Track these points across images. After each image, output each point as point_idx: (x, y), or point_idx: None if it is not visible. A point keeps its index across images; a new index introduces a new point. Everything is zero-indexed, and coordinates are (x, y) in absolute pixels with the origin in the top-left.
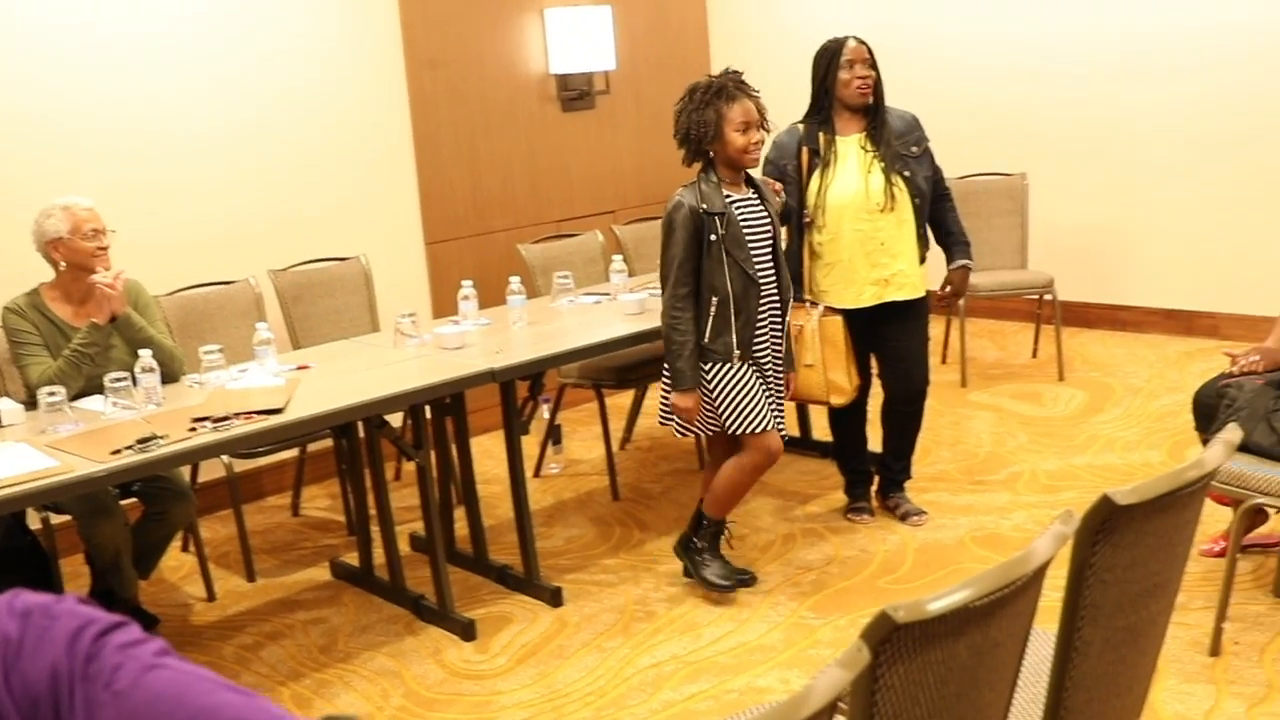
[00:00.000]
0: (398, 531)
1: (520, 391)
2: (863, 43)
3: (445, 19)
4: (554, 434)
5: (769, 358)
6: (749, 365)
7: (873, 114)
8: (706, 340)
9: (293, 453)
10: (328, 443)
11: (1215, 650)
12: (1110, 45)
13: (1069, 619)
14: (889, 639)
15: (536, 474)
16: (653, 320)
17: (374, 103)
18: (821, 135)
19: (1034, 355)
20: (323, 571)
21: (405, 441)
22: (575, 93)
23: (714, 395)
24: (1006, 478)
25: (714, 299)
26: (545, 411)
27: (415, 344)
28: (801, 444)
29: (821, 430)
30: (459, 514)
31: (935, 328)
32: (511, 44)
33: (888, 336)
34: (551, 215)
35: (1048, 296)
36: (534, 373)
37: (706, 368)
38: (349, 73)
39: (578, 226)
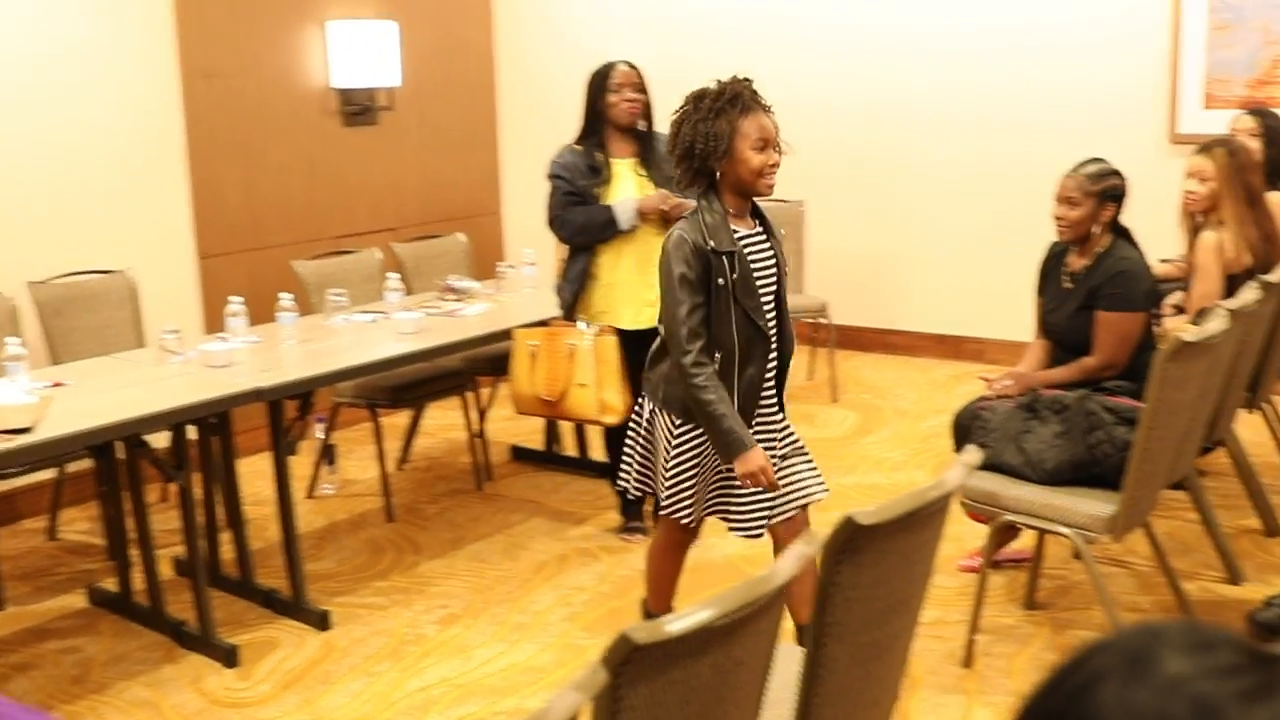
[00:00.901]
0: (161, 555)
1: (289, 411)
2: (633, 67)
3: (223, 28)
4: (328, 454)
5: (765, 427)
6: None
7: (645, 137)
8: None
9: (50, 473)
10: (89, 463)
11: (968, 662)
12: (884, 84)
13: (815, 636)
14: (629, 660)
15: (310, 495)
16: (428, 340)
17: (145, 112)
18: (597, 156)
19: (810, 377)
20: (79, 598)
21: (166, 462)
22: (357, 108)
23: (671, 457)
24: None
25: (717, 354)
26: (319, 431)
27: (180, 361)
28: (577, 464)
29: (598, 450)
30: (227, 537)
31: None
32: (292, 56)
33: None
34: (331, 231)
35: (823, 320)
36: (303, 392)
37: (678, 423)
38: (119, 80)
39: (357, 243)
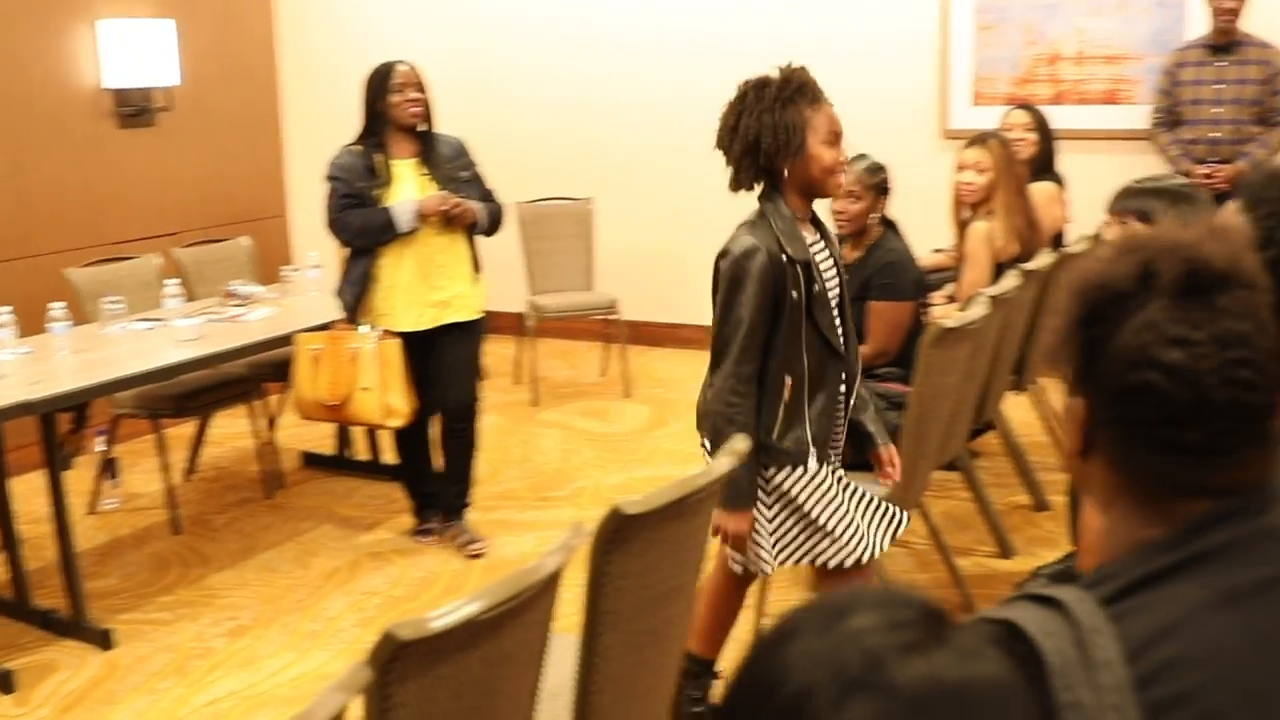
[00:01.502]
0: None
1: (63, 424)
2: (413, 67)
3: None
4: (109, 468)
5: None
6: (828, 467)
7: (426, 138)
8: (774, 437)
9: None
10: None
11: None
12: (668, 85)
13: (590, 626)
14: (396, 657)
15: (92, 510)
16: (208, 346)
17: None
18: (376, 157)
19: (603, 374)
20: None
21: None
22: (133, 109)
23: (785, 513)
24: (571, 493)
25: (787, 379)
26: (100, 444)
27: None
28: (370, 468)
29: (390, 454)
30: (2, 558)
31: (508, 348)
32: (60, 56)
33: (441, 356)
34: (108, 237)
35: (614, 317)
36: (77, 404)
37: (769, 474)
38: None
39: (137, 249)
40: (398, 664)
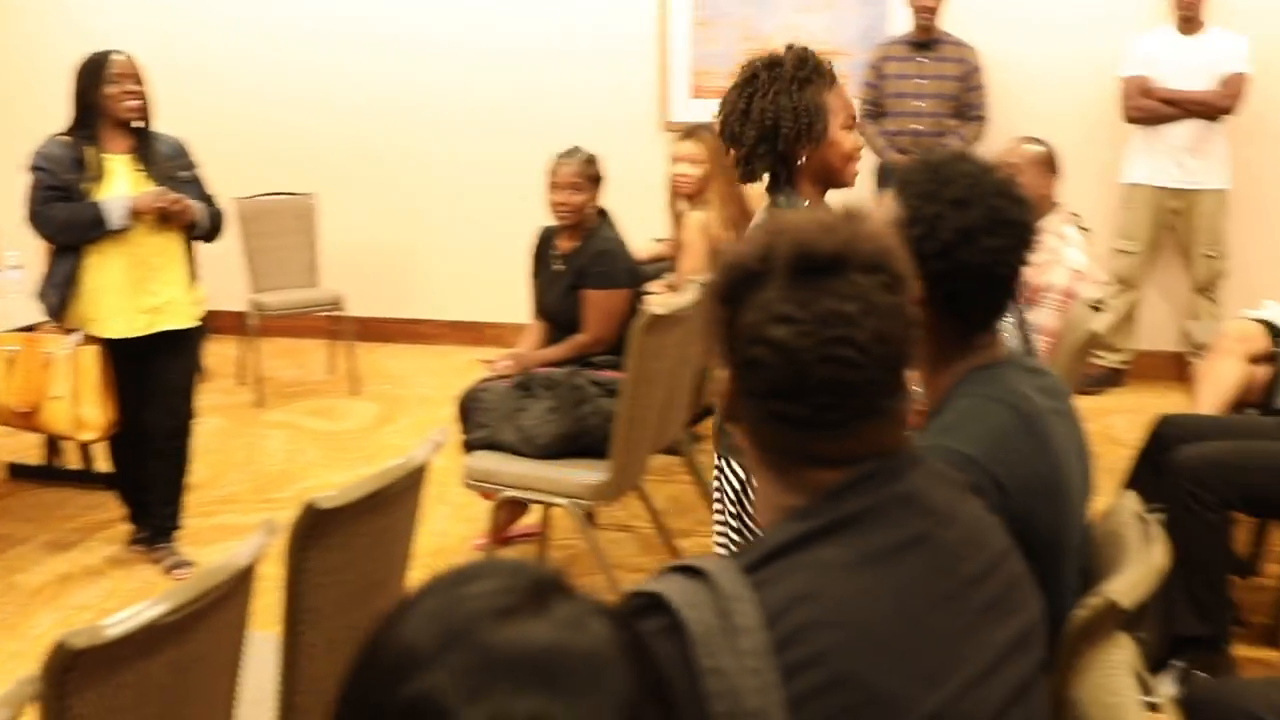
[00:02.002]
0: None
1: None
2: (130, 58)
3: None
4: None
5: None
6: None
7: (142, 133)
8: None
9: None
10: None
11: None
12: (392, 79)
13: (290, 624)
14: (71, 667)
15: None
16: None
17: None
18: (87, 150)
19: (330, 372)
20: None
21: None
22: None
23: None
24: (296, 494)
25: None
26: None
27: None
28: (82, 478)
29: (104, 462)
30: None
31: (230, 348)
32: None
33: (153, 368)
34: None
35: (340, 313)
36: None
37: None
38: None
39: None
40: (74, 674)
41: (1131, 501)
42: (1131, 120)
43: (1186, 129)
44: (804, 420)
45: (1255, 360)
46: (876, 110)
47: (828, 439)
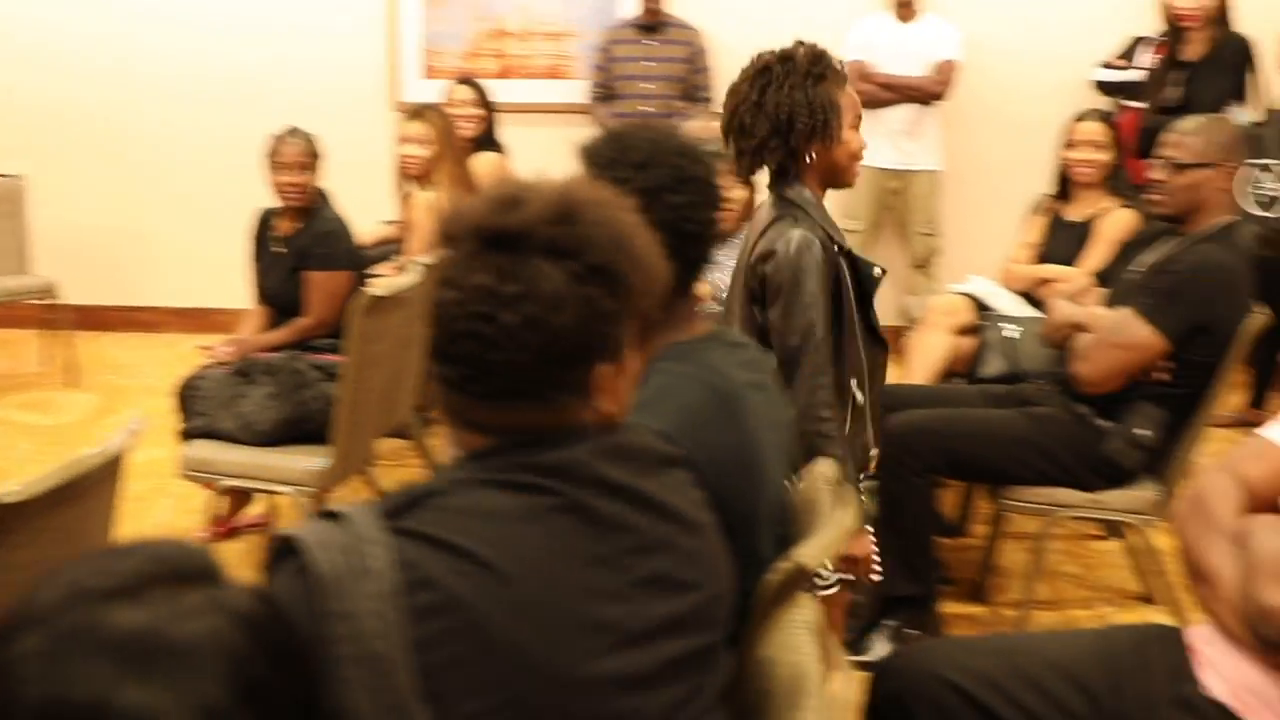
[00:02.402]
0: None
1: None
2: None
3: None
4: None
5: None
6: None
7: None
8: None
9: None
10: None
11: None
12: (110, 50)
13: None
14: None
15: None
16: None
17: None
18: None
19: (45, 363)
20: None
21: None
22: None
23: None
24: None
25: (852, 381)
26: None
27: None
28: None
29: None
30: None
31: None
32: None
33: None
34: None
35: (54, 301)
36: None
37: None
38: None
39: None
40: None
41: (826, 467)
42: None
43: (903, 113)
44: (454, 383)
45: (961, 332)
46: (606, 93)
47: (478, 407)
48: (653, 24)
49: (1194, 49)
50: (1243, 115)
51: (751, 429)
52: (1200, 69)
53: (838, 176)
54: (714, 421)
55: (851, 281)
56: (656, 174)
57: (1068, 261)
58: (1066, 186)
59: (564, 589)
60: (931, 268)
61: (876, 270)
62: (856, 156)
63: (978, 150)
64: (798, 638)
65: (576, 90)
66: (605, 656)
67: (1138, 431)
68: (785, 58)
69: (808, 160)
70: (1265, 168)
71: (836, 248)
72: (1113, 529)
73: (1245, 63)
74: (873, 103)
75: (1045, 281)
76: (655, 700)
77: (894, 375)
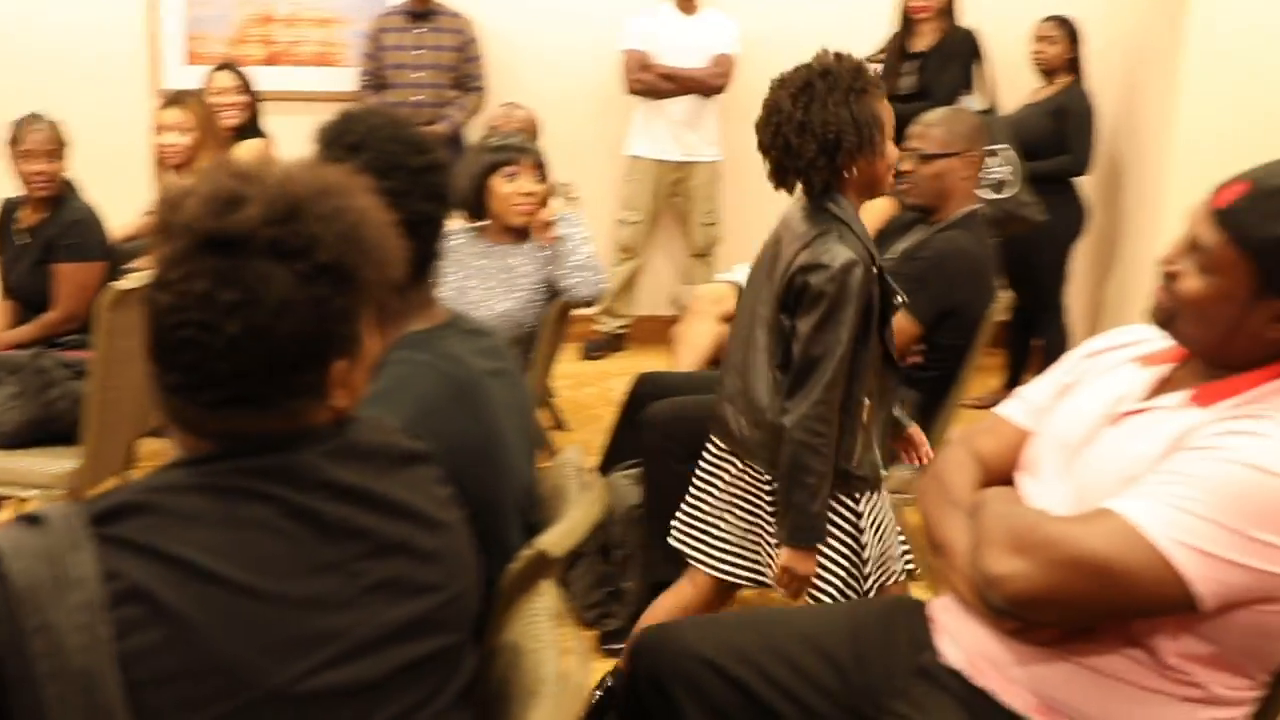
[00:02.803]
0: None
1: None
2: None
3: None
4: None
5: None
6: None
7: None
8: (852, 463)
9: None
10: None
11: None
12: None
13: None
14: None
15: None
16: None
17: None
18: None
19: None
20: None
21: None
22: None
23: (874, 540)
24: None
25: (866, 400)
26: None
27: None
28: None
29: None
30: None
31: None
32: None
33: None
34: None
35: None
36: None
37: (857, 503)
38: None
39: None
40: None
41: (572, 455)
42: (633, 92)
43: (683, 105)
44: (174, 389)
45: (728, 320)
46: (377, 81)
47: (201, 413)
48: (423, 11)
49: (924, 40)
50: (972, 103)
51: (492, 417)
52: (930, 59)
53: (875, 188)
54: (451, 410)
55: (882, 302)
56: (366, 158)
57: None
58: None
59: (285, 599)
60: (712, 257)
61: (898, 299)
62: (893, 167)
63: (753, 142)
64: (539, 626)
65: (346, 78)
66: (329, 668)
67: (893, 413)
68: (825, 72)
69: (849, 175)
70: (992, 153)
71: (876, 269)
72: None
73: (972, 53)
74: (653, 94)
75: None
76: (386, 708)
77: (663, 363)
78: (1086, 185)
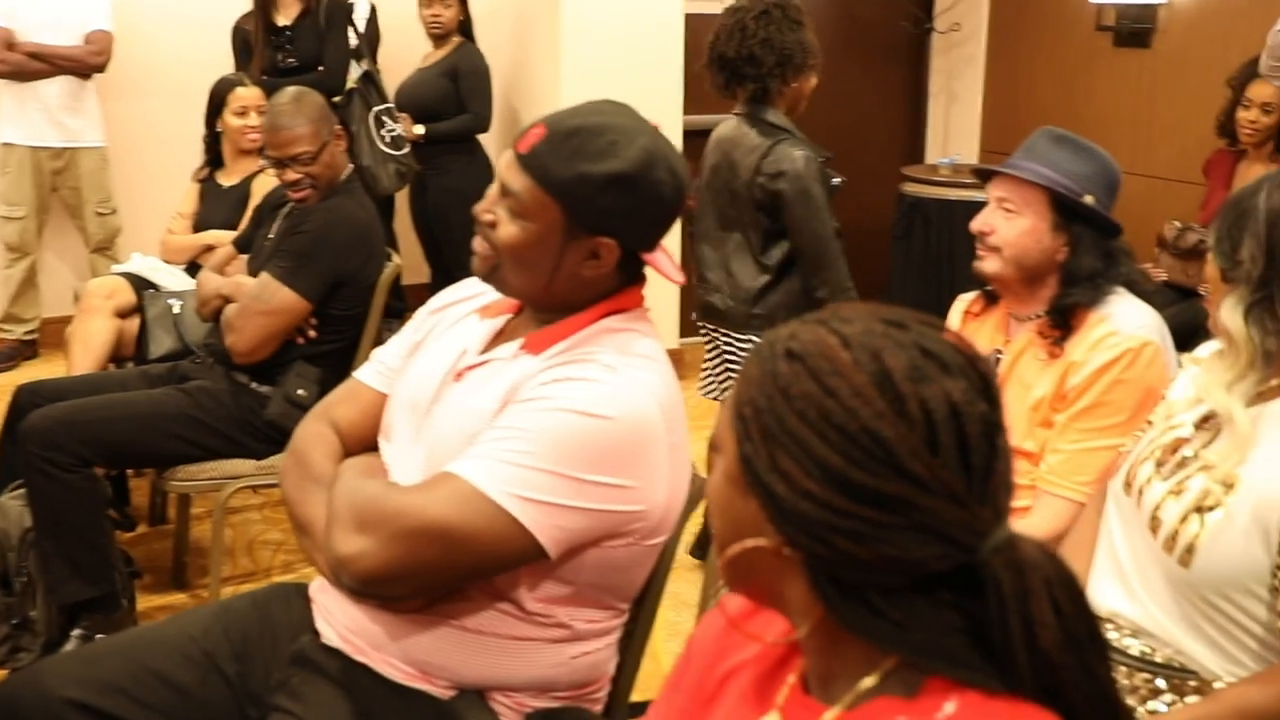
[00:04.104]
0: None
1: None
2: None
3: None
4: None
5: None
6: None
7: None
8: None
9: None
10: None
11: None
12: None
13: None
14: None
15: None
16: None
17: None
18: None
19: None
20: None
21: None
22: None
23: None
24: None
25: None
26: None
27: None
28: None
29: None
30: None
31: None
32: None
33: None
34: None
35: None
36: None
37: None
38: None
39: None
40: None
41: None
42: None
43: (60, 86)
44: None
45: (124, 314)
46: None
47: None
48: None
49: (287, 13)
50: (357, 70)
51: None
52: (299, 31)
53: (798, 105)
54: None
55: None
56: None
57: (229, 227)
58: (219, 153)
59: None
60: (116, 250)
61: (836, 180)
62: (808, 96)
63: (142, 121)
64: None
65: None
66: None
67: (298, 393)
68: (778, 4)
69: (786, 89)
70: (387, 112)
71: (822, 159)
72: None
73: (346, 21)
74: (20, 75)
75: (210, 249)
76: None
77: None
78: (488, 143)
